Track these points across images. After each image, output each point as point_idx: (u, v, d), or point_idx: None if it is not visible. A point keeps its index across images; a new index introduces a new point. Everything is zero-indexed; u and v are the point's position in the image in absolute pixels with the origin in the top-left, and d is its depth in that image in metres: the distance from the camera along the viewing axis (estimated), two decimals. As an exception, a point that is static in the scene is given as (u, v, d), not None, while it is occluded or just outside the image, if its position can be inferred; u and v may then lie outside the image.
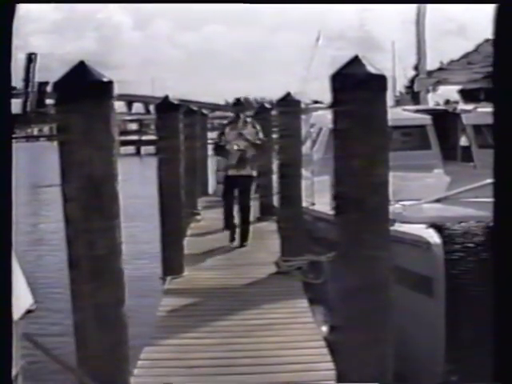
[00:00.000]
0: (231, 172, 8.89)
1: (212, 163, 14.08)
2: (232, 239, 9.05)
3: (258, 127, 9.00)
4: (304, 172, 7.92)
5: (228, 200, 9.05)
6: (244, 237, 8.96)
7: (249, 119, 9.24)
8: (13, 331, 2.24)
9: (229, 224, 9.09)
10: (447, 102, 13.33)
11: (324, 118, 10.06)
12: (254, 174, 9.25)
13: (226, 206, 9.08)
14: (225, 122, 9.51)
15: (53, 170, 4.36)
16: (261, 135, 8.94)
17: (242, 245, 8.90)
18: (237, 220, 9.10)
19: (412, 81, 13.10)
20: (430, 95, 12.54)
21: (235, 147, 8.76)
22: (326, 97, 4.90)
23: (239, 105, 9.22)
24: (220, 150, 9.02)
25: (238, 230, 9.05)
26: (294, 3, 3.23)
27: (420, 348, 5.11)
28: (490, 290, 2.03)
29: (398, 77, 19.09)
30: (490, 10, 2.18)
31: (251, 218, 9.29)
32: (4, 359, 2.17)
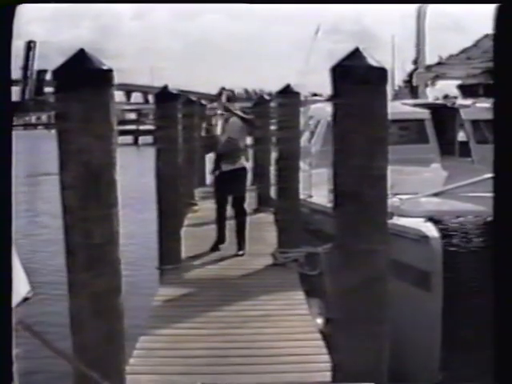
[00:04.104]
0: (224, 167, 7.92)
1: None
2: (218, 243, 8.16)
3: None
4: (302, 164, 7.91)
5: (221, 209, 8.11)
6: (240, 241, 8.06)
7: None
8: (12, 318, 2.23)
9: (221, 234, 8.20)
10: (446, 96, 13.32)
11: (322, 111, 10.05)
12: (248, 165, 8.32)
13: (218, 216, 8.15)
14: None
15: (50, 158, 4.33)
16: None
17: (239, 253, 7.97)
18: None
19: (411, 75, 13.09)
20: (428, 89, 12.51)
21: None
22: (324, 90, 4.90)
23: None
24: (210, 146, 8.24)
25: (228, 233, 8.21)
26: (290, 3, 3.24)
27: (416, 343, 5.12)
28: (488, 286, 2.03)
29: (397, 70, 19.11)
30: (489, 7, 2.19)
31: (247, 217, 8.25)
32: (4, 346, 2.17)
